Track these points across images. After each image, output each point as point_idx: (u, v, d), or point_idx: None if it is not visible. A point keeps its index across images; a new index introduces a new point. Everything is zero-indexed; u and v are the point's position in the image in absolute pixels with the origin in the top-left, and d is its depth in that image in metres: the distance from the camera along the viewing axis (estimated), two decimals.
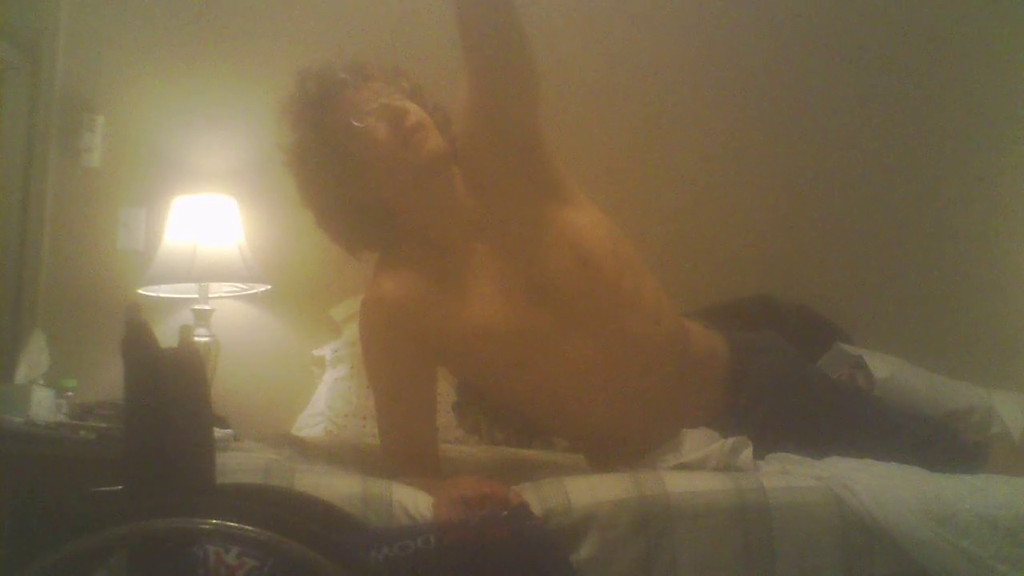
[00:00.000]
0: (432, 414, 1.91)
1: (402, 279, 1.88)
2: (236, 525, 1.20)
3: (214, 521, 1.20)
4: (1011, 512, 1.55)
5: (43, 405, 2.31)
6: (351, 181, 1.88)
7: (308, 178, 1.91)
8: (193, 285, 2.82)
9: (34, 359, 2.48)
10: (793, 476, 1.67)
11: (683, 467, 1.72)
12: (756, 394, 1.93)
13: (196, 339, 2.70)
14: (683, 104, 3.21)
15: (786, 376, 1.99)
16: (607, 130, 3.13)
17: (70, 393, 2.46)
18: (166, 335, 1.41)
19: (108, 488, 1.34)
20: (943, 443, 1.96)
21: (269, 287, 2.92)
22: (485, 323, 1.85)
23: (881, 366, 2.18)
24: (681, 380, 1.92)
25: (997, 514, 1.54)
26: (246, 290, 2.95)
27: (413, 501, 1.59)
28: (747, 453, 1.74)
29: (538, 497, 1.57)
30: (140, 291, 2.86)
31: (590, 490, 1.57)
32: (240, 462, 1.70)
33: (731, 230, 3.16)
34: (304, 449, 2.08)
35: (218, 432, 1.83)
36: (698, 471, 1.69)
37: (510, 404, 2.04)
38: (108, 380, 2.55)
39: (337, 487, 1.58)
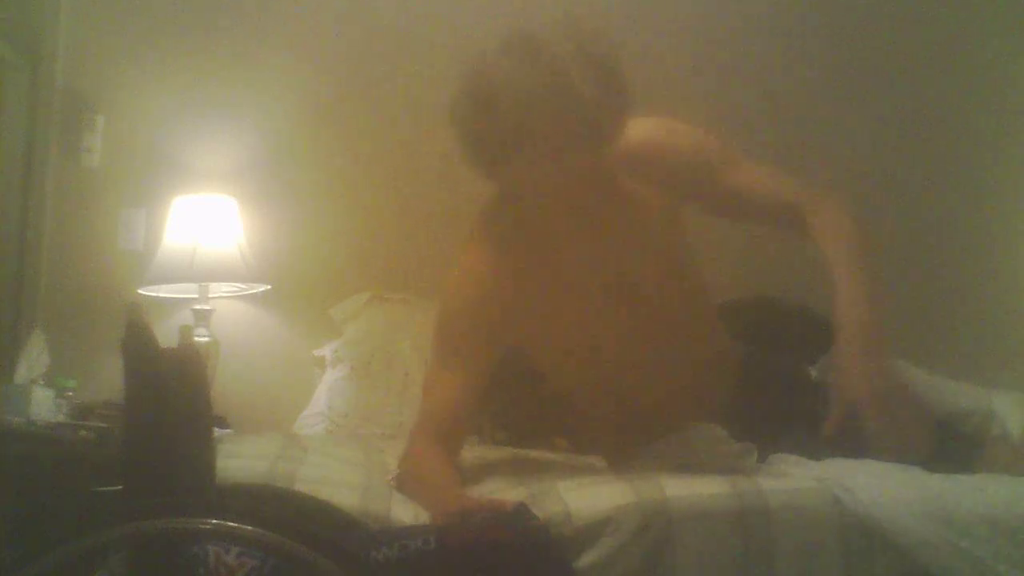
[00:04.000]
0: (479, 392, 1.88)
1: (494, 254, 1.87)
2: (236, 525, 1.19)
3: (214, 521, 1.20)
4: (1011, 512, 1.55)
5: (43, 405, 2.31)
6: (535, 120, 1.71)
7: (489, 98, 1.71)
8: (193, 285, 2.82)
9: (34, 359, 2.48)
10: (792, 477, 1.67)
11: (689, 464, 1.73)
12: (756, 394, 1.94)
13: (196, 339, 2.70)
14: (683, 103, 3.19)
15: (786, 377, 1.99)
16: None
17: (70, 393, 2.46)
18: (166, 335, 1.41)
19: (108, 488, 1.34)
20: (943, 443, 1.96)
21: (269, 287, 2.92)
22: (563, 311, 1.87)
23: None
24: (691, 379, 1.93)
25: (997, 514, 1.54)
26: (246, 290, 2.95)
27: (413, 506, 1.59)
28: (752, 459, 1.76)
29: (537, 508, 1.56)
30: (140, 291, 2.86)
31: (589, 499, 1.56)
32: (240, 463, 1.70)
33: (731, 230, 3.15)
34: (304, 449, 2.08)
35: (218, 432, 1.83)
36: (697, 474, 1.69)
37: (564, 392, 2.06)
38: (108, 380, 2.55)
39: (337, 487, 1.58)
